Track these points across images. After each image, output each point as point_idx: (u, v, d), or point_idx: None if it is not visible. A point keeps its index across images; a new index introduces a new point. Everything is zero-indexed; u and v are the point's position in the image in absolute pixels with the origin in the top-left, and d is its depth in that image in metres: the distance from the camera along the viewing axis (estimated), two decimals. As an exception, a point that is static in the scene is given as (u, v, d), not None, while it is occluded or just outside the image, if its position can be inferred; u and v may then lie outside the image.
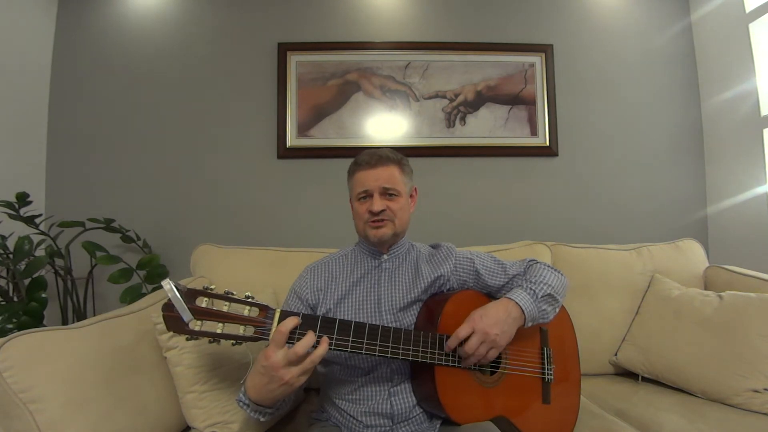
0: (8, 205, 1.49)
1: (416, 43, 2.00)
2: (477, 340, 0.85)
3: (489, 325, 0.86)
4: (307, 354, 0.75)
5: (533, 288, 0.94)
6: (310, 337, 0.75)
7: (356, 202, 1.01)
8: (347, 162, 1.06)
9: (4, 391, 0.74)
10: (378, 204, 0.96)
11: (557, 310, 1.00)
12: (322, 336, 0.78)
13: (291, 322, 0.76)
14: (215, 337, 0.76)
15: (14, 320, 1.37)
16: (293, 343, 0.75)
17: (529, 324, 0.92)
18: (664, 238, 1.68)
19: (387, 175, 0.98)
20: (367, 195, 0.99)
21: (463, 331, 0.86)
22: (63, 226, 1.62)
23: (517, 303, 0.91)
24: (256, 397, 0.80)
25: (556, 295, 0.97)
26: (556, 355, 1.01)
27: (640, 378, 1.36)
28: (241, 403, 0.84)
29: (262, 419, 0.85)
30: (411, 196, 1.06)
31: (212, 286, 0.77)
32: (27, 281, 1.48)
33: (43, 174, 1.88)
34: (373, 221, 0.98)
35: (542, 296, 0.94)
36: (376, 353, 0.83)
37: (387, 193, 0.98)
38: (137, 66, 1.94)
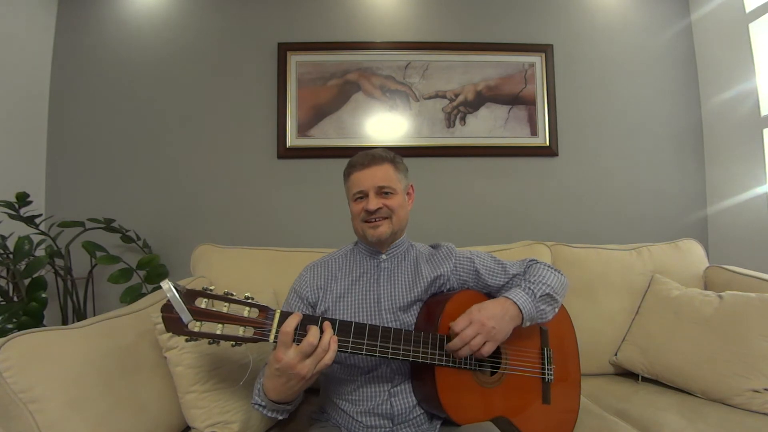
0: (8, 205, 1.49)
1: (416, 43, 2.00)
2: (473, 330, 0.85)
3: (486, 317, 0.86)
4: (318, 344, 0.76)
5: (532, 288, 0.94)
6: (315, 328, 0.77)
7: (353, 202, 1.01)
8: (347, 162, 1.06)
9: (4, 391, 0.74)
10: (373, 202, 0.97)
11: (556, 310, 1.00)
12: (324, 331, 0.78)
13: (293, 320, 0.76)
14: (215, 338, 0.76)
15: (14, 320, 1.37)
16: (300, 341, 0.75)
17: (528, 323, 0.92)
18: (664, 238, 1.68)
19: (381, 173, 0.98)
20: (363, 195, 0.99)
21: (460, 323, 0.86)
22: (63, 226, 1.62)
23: (514, 302, 0.91)
24: (277, 397, 0.81)
25: (555, 295, 0.97)
26: (556, 356, 1.01)
27: (640, 378, 1.36)
28: (257, 406, 0.86)
29: (280, 417, 0.87)
30: (408, 193, 1.07)
31: (212, 287, 0.77)
32: (27, 281, 1.48)
33: (43, 174, 1.88)
34: (370, 221, 0.98)
35: (540, 296, 0.94)
36: (377, 354, 0.83)
37: (382, 192, 0.98)
38: (137, 66, 1.94)
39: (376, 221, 0.98)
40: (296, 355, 0.74)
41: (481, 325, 0.85)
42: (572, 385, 1.04)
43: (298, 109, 1.95)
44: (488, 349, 0.86)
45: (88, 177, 1.89)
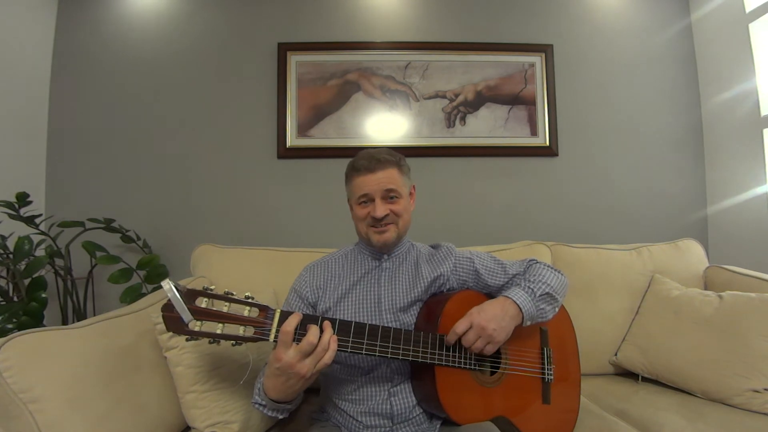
0: (8, 205, 1.49)
1: (416, 43, 2.00)
2: (474, 334, 0.86)
3: (486, 320, 0.86)
4: (317, 343, 0.76)
5: (531, 287, 0.94)
6: (315, 327, 0.77)
7: (357, 205, 1.00)
8: (347, 162, 1.04)
9: (4, 391, 0.74)
10: (381, 209, 0.95)
11: (557, 309, 1.00)
12: (324, 331, 0.78)
13: (294, 319, 0.76)
14: (215, 338, 0.76)
15: (14, 320, 1.37)
16: (299, 341, 0.76)
17: (528, 323, 0.93)
18: (664, 238, 1.68)
19: (387, 178, 0.96)
20: (368, 199, 0.98)
21: (460, 327, 0.86)
22: (63, 226, 1.62)
23: (514, 301, 0.91)
24: (277, 397, 0.81)
25: (555, 295, 0.97)
26: (556, 355, 1.01)
27: (640, 378, 1.36)
28: (257, 405, 0.86)
29: (280, 416, 0.87)
30: (410, 194, 1.06)
31: (212, 287, 0.77)
32: (27, 281, 1.48)
33: (43, 174, 1.88)
34: (376, 226, 0.98)
35: (540, 295, 0.94)
36: (376, 353, 0.83)
37: (388, 197, 0.97)
38: (137, 66, 1.93)
39: (382, 227, 0.98)
40: (296, 354, 0.74)
41: (481, 329, 0.86)
42: (572, 385, 1.04)
43: (298, 109, 1.95)
44: (490, 350, 0.87)
45: (88, 177, 1.89)
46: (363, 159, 0.98)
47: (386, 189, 0.96)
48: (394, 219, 0.98)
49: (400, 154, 1.03)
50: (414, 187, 1.08)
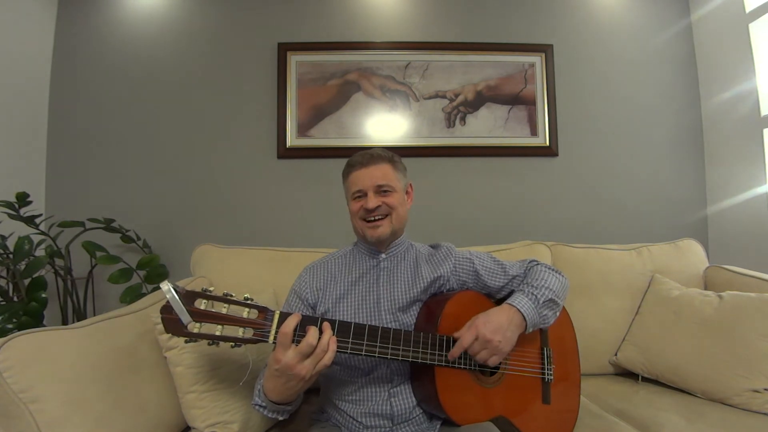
0: (8, 205, 1.49)
1: (416, 43, 2.00)
2: (479, 346, 0.86)
3: (492, 332, 0.86)
4: (317, 344, 0.76)
5: (535, 293, 0.94)
6: (314, 329, 0.77)
7: (352, 201, 1.01)
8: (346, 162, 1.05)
9: (4, 391, 0.74)
10: (373, 201, 0.97)
11: (557, 314, 0.99)
12: (323, 332, 0.78)
13: (292, 321, 0.76)
14: (214, 340, 0.76)
15: (14, 320, 1.37)
16: (299, 342, 0.75)
17: (531, 330, 0.93)
18: (664, 238, 1.68)
19: (380, 173, 0.98)
20: (362, 194, 0.99)
21: (466, 339, 0.86)
22: (63, 226, 1.62)
23: (519, 310, 0.91)
24: (277, 398, 0.81)
25: (557, 300, 0.97)
26: (556, 355, 1.01)
27: (640, 378, 1.36)
28: (257, 407, 0.87)
29: (280, 418, 0.88)
30: (407, 192, 1.07)
31: (211, 288, 0.77)
32: (27, 281, 1.48)
33: (43, 174, 1.88)
34: (370, 220, 0.99)
35: (544, 302, 0.94)
36: (376, 354, 0.83)
37: (381, 191, 0.98)
38: (137, 66, 1.94)
39: (375, 221, 0.98)
40: (295, 355, 0.74)
41: (487, 342, 0.86)
42: (572, 385, 1.04)
43: (298, 109, 1.95)
44: (494, 362, 0.87)
45: (88, 177, 1.89)
46: (357, 156, 1.02)
47: (378, 184, 0.98)
48: (387, 210, 0.99)
49: (394, 153, 1.04)
50: (411, 185, 1.09)
